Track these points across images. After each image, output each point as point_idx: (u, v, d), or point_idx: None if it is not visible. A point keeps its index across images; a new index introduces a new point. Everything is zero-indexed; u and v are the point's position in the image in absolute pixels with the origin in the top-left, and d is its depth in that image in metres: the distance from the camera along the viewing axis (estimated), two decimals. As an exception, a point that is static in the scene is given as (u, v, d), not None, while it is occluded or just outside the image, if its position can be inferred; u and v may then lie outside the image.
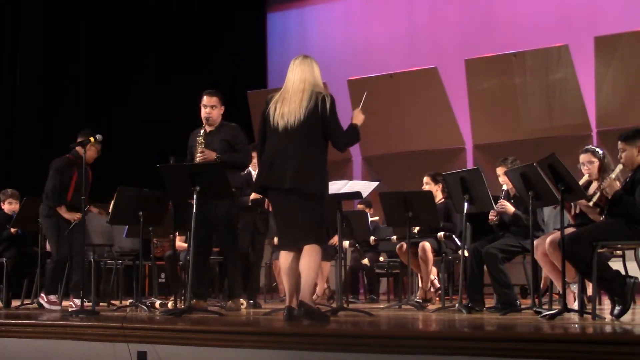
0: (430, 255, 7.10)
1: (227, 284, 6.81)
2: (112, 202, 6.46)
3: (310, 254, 4.83)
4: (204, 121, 6.27)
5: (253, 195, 6.63)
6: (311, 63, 5.01)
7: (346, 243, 8.10)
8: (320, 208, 4.97)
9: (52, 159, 9.91)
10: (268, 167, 4.95)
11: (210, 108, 6.27)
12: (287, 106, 4.91)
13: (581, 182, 5.21)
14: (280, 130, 4.91)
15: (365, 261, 8.69)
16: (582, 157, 5.53)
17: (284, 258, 4.95)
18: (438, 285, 7.34)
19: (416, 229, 7.30)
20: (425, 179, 7.53)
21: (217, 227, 6.21)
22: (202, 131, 6.21)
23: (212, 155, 6.08)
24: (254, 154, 6.50)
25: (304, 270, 4.84)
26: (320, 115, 4.87)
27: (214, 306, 6.47)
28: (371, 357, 3.88)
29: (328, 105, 4.89)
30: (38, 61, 11.04)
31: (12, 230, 7.50)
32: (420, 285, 7.47)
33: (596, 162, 5.45)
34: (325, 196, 5.00)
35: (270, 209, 5.25)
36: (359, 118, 5.13)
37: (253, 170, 7.06)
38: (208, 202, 6.00)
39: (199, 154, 6.08)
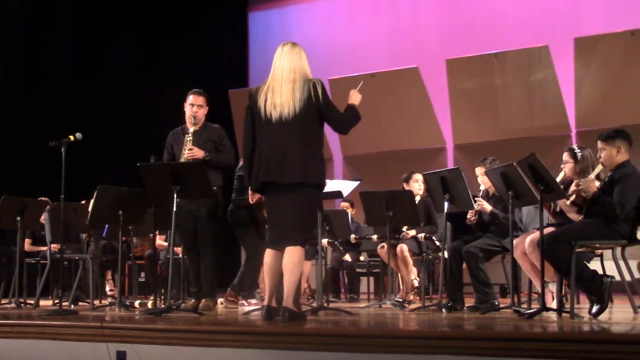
0: (408, 257, 7.10)
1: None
2: (92, 201, 6.43)
3: (292, 255, 4.76)
4: (189, 120, 6.24)
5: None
6: (300, 52, 4.92)
7: (324, 241, 8.09)
8: (316, 204, 4.95)
9: (33, 157, 9.94)
10: (266, 162, 4.82)
11: (197, 107, 6.27)
12: (279, 96, 4.79)
13: (558, 179, 5.24)
14: (273, 121, 4.78)
15: (347, 257, 8.70)
16: (563, 156, 5.57)
17: (269, 256, 4.88)
18: (417, 285, 7.36)
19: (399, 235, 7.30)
20: (420, 177, 7.43)
21: (199, 224, 6.21)
22: (191, 129, 6.19)
23: (200, 153, 6.06)
24: None
25: (287, 271, 4.76)
26: (314, 104, 4.78)
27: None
28: (351, 356, 3.88)
29: (320, 92, 4.79)
30: (18, 60, 10.95)
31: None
32: (400, 286, 7.48)
33: (571, 163, 5.47)
34: (324, 186, 4.96)
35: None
36: (356, 98, 5.04)
37: None
38: (194, 200, 6.00)
39: (187, 151, 6.06)
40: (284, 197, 4.82)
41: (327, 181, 6.12)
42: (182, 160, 6.04)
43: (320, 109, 4.82)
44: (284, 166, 4.76)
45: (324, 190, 5.30)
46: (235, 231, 6.90)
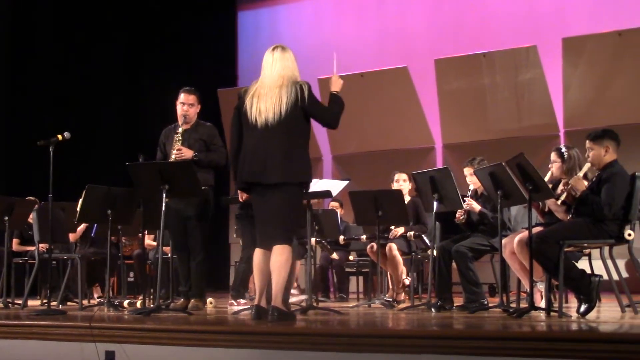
0: (398, 256, 7.11)
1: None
2: (81, 200, 6.40)
3: (280, 253, 4.78)
4: (180, 119, 6.22)
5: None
6: (290, 56, 4.95)
7: (312, 240, 8.07)
8: (300, 201, 4.97)
9: (20, 158, 9.82)
10: (249, 164, 4.86)
11: (188, 106, 6.24)
12: (264, 102, 4.82)
13: (545, 179, 5.26)
14: (258, 127, 4.82)
15: (335, 256, 8.69)
16: (551, 155, 5.60)
17: (258, 256, 4.90)
18: (408, 283, 7.37)
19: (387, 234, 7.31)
20: (401, 177, 7.46)
21: (189, 224, 6.19)
22: (180, 129, 6.16)
23: (189, 153, 6.04)
24: None
25: (274, 270, 4.77)
26: (300, 106, 4.81)
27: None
28: (341, 356, 3.88)
29: (306, 93, 4.83)
30: (3, 58, 10.89)
31: None
32: (390, 286, 7.49)
33: (558, 162, 5.50)
34: (309, 184, 4.97)
35: None
36: (337, 84, 5.06)
37: None
38: (182, 200, 5.98)
39: (175, 152, 6.04)
40: (268, 196, 4.85)
41: (316, 180, 6.15)
42: (171, 160, 6.01)
43: (305, 109, 4.84)
44: (266, 168, 4.80)
45: (312, 190, 5.29)
46: (240, 229, 6.90)
